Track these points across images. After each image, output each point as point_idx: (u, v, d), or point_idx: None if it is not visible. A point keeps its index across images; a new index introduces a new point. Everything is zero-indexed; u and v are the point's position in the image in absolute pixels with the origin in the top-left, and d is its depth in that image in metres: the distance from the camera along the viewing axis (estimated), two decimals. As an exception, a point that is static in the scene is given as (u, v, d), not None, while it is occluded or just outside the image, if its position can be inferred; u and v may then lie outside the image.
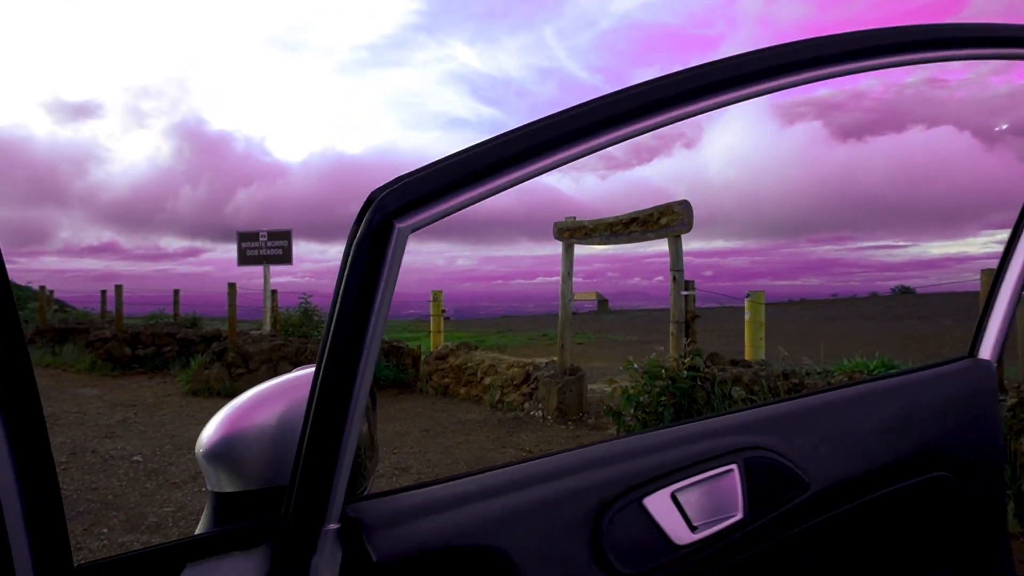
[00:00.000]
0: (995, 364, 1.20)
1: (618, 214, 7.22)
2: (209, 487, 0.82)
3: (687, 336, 6.57)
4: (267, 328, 12.52)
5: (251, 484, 0.80)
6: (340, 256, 0.72)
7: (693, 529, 0.91)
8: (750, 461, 0.97)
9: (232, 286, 10.35)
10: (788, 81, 0.82)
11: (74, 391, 9.78)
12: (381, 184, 0.72)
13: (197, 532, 0.79)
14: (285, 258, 12.92)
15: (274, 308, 12.95)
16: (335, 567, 0.72)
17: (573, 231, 7.75)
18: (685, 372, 5.94)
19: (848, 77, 0.87)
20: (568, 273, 7.85)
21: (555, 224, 7.89)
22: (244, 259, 12.98)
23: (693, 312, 6.77)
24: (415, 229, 0.70)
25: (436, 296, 11.01)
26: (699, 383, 5.89)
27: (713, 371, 6.01)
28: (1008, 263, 1.20)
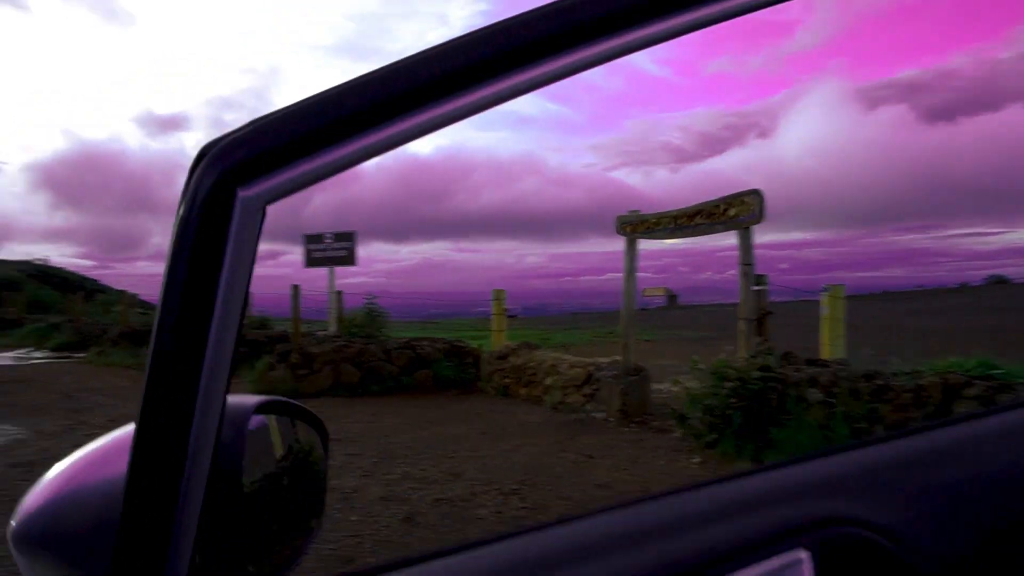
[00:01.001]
0: None
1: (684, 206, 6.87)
2: None
3: (759, 334, 6.16)
4: (332, 329, 12.66)
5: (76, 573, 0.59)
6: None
7: None
8: (827, 541, 0.62)
9: (296, 288, 10.47)
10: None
11: (149, 392, 10.09)
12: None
13: None
14: (349, 259, 13.01)
15: (340, 309, 13.09)
16: None
17: (635, 225, 7.43)
18: (756, 373, 5.55)
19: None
20: (631, 270, 7.53)
21: (617, 218, 7.59)
22: (310, 261, 13.15)
23: (765, 308, 6.35)
24: (273, 200, 0.48)
25: (498, 295, 10.85)
26: (771, 385, 5.49)
27: (787, 371, 5.59)
28: None
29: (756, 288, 6.27)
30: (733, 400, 5.50)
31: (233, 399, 0.60)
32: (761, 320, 6.25)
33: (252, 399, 0.72)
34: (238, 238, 0.46)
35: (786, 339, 7.39)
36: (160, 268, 0.49)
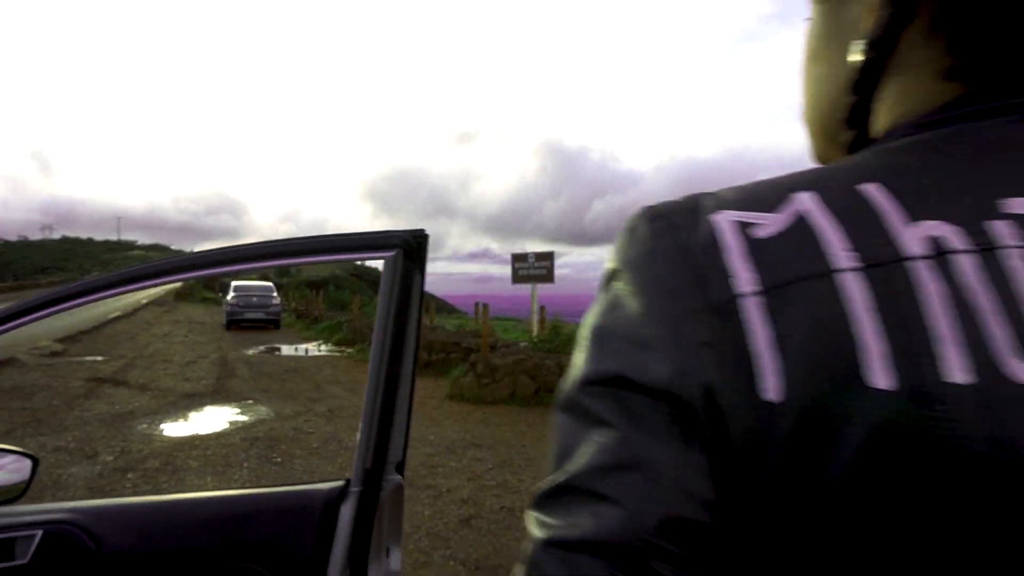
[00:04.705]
0: None
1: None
2: None
3: None
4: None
5: None
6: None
7: None
8: None
9: (485, 306, 11.92)
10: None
11: (374, 388, 12.24)
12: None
13: None
14: (548, 277, 14.20)
15: (542, 322, 14.34)
16: None
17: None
18: None
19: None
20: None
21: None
22: (516, 277, 14.60)
23: None
24: None
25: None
26: None
27: None
28: None
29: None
30: None
31: None
32: None
33: None
34: None
35: None
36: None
